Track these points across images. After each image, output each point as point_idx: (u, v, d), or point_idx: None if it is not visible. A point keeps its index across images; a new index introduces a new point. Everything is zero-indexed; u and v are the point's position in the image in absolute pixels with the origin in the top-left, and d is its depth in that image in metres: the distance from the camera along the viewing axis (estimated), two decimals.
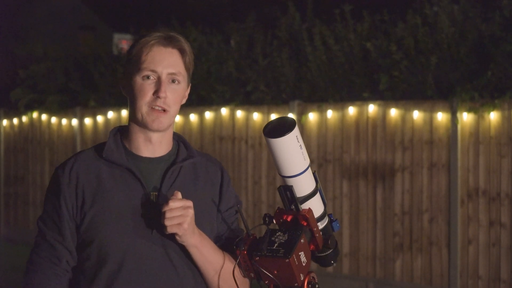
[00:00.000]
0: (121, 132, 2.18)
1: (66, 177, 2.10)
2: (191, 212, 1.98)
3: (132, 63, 2.11)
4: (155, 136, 2.12)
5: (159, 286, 2.06)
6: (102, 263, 2.05)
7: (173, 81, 2.09)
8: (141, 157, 2.13)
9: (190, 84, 2.19)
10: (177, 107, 2.12)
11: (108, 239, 2.05)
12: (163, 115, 2.08)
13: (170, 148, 2.18)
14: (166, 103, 2.07)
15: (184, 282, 2.09)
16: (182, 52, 2.12)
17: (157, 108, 2.07)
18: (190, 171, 2.17)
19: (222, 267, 2.09)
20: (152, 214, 2.06)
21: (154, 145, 2.14)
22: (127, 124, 2.19)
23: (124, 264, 2.04)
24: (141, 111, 2.08)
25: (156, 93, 2.06)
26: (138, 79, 2.08)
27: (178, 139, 2.23)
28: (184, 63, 2.12)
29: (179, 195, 2.00)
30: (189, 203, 1.99)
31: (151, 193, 2.09)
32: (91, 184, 2.09)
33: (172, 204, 1.96)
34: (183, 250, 2.07)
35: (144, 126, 2.10)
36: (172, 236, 2.03)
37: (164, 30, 2.14)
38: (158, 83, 2.07)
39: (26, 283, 2.10)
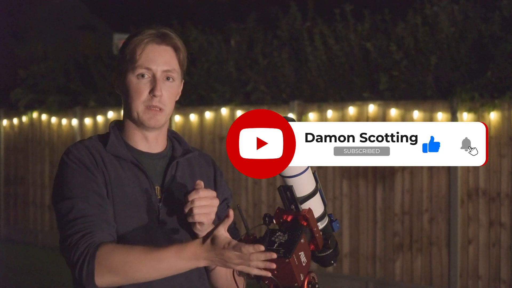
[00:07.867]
0: (118, 126, 2.18)
1: (83, 154, 2.05)
2: (216, 202, 2.01)
3: (125, 62, 2.11)
4: (151, 134, 2.13)
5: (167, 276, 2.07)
6: None
7: (167, 78, 2.09)
8: (142, 152, 2.14)
9: (183, 81, 2.19)
10: (172, 105, 2.12)
11: (125, 229, 2.04)
12: (159, 113, 2.08)
13: (165, 145, 2.19)
14: (162, 102, 2.08)
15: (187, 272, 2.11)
16: (176, 49, 2.12)
17: (153, 108, 2.07)
18: (185, 166, 2.19)
19: None
20: (158, 207, 2.08)
21: (150, 143, 2.15)
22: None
23: None
24: (137, 110, 2.08)
25: (152, 91, 2.06)
26: (133, 78, 2.09)
27: (171, 134, 2.24)
28: (178, 59, 2.12)
29: (202, 184, 2.00)
30: (215, 194, 2.01)
31: (155, 187, 2.11)
32: (105, 171, 2.06)
33: (203, 193, 1.97)
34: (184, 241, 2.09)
35: (140, 124, 2.11)
36: (179, 228, 2.07)
37: (156, 27, 2.13)
38: (154, 81, 2.07)
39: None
